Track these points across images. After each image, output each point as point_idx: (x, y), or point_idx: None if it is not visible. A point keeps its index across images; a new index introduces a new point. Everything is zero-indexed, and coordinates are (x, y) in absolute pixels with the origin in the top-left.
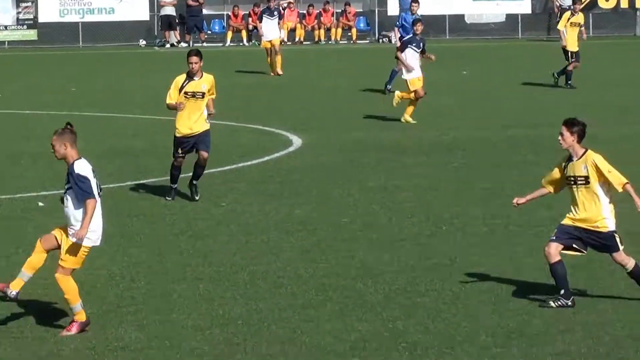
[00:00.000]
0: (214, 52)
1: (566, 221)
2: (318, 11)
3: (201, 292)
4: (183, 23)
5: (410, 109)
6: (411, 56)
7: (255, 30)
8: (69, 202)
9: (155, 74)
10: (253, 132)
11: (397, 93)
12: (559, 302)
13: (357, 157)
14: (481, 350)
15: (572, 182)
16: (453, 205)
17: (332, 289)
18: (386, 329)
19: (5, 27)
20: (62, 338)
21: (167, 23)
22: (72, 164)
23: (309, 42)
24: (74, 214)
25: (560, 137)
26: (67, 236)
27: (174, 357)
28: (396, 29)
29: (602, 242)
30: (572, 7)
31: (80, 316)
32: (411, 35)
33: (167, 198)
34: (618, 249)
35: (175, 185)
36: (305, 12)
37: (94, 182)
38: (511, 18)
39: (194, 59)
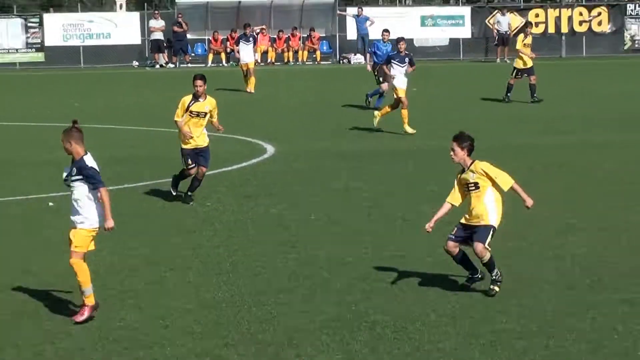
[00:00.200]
0: (197, 71)
1: (463, 220)
2: (287, 36)
3: (190, 279)
4: (170, 46)
5: (405, 115)
6: (394, 69)
7: (232, 53)
8: (75, 193)
9: (147, 91)
10: (232, 141)
11: (376, 114)
12: (498, 284)
13: (322, 163)
14: (431, 328)
15: (466, 189)
16: (405, 204)
17: (303, 276)
18: (349, 311)
19: (16, 50)
20: (78, 321)
21: (157, 46)
22: (82, 158)
23: (279, 63)
24: (80, 204)
25: (451, 152)
26: (74, 227)
27: (168, 335)
28: (368, 54)
29: (476, 231)
30: (525, 30)
31: (90, 299)
32: (395, 52)
33: (189, 203)
34: (484, 242)
35: (176, 192)
36: (276, 36)
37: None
38: (454, 42)
39: (199, 82)
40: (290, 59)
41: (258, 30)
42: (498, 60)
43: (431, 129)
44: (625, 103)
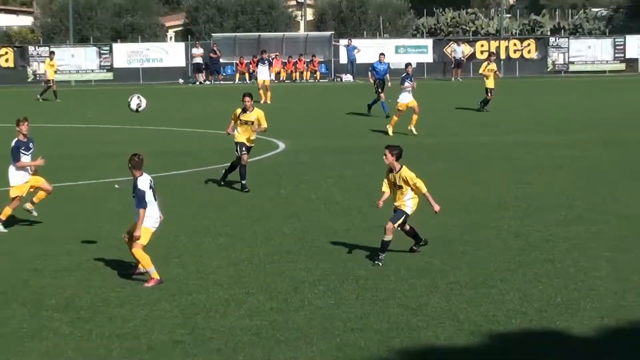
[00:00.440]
0: (227, 87)
1: (394, 206)
2: (295, 60)
3: (220, 243)
4: (207, 68)
5: (412, 125)
6: (407, 85)
7: (254, 72)
8: (134, 203)
9: (190, 102)
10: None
11: (389, 127)
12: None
13: (322, 156)
14: (402, 280)
15: (394, 186)
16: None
17: (305, 241)
18: (340, 267)
19: (92, 70)
20: (135, 276)
21: (197, 68)
22: (136, 179)
23: (288, 81)
24: (136, 212)
25: (384, 157)
26: (137, 226)
27: (203, 285)
28: (370, 73)
29: (395, 212)
30: (489, 58)
31: (155, 275)
32: (405, 74)
33: (245, 190)
34: (394, 222)
35: (227, 177)
36: (286, 61)
37: (149, 192)
38: (419, 65)
39: (247, 98)
40: (297, 78)
41: (273, 56)
42: (453, 79)
43: (403, 129)
44: (548, 111)
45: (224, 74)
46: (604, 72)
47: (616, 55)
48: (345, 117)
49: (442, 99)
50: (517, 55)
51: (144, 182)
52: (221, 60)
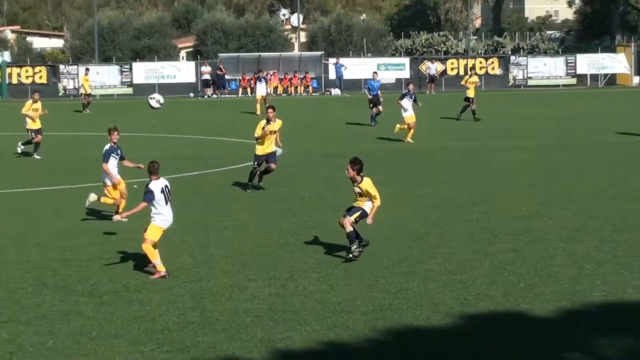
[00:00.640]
0: (232, 100)
1: (353, 205)
2: (290, 76)
3: (225, 236)
4: (214, 83)
5: (410, 133)
6: (405, 103)
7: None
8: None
9: (200, 113)
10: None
11: (397, 125)
12: (354, 254)
13: (314, 159)
14: (384, 268)
15: (356, 194)
16: None
17: (299, 234)
18: (331, 257)
19: (115, 86)
20: (149, 268)
21: (206, 83)
22: (150, 182)
23: (285, 94)
24: (153, 207)
25: (346, 171)
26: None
27: (211, 273)
28: (366, 90)
29: (351, 208)
30: (470, 72)
31: (160, 268)
32: (407, 90)
33: (247, 190)
34: (351, 215)
35: (251, 183)
36: (283, 77)
37: (161, 195)
38: (398, 81)
39: (270, 110)
40: (292, 92)
41: (272, 73)
42: (428, 92)
43: (385, 137)
44: (509, 120)
45: (229, 89)
46: (558, 86)
47: (568, 71)
48: (334, 126)
49: (418, 110)
50: (482, 72)
51: (155, 185)
52: (226, 77)
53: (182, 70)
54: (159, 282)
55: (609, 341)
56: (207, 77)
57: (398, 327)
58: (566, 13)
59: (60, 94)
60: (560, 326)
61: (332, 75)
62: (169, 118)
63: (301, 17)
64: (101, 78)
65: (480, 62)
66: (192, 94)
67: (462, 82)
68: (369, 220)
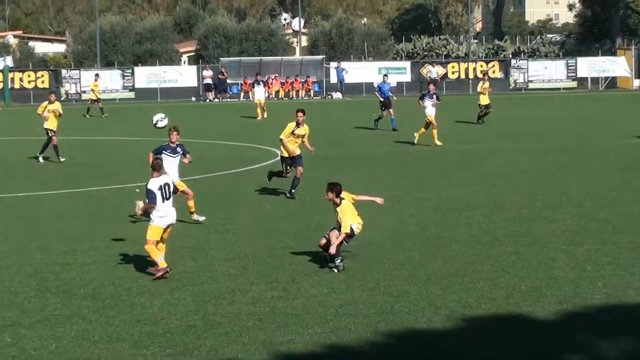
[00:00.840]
0: (233, 104)
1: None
2: (292, 80)
3: (227, 239)
4: (216, 87)
5: (434, 134)
6: (426, 102)
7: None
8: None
9: (201, 117)
10: (255, 149)
11: (415, 135)
12: (341, 266)
13: (315, 163)
14: (386, 272)
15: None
16: (370, 189)
17: (301, 237)
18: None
19: (117, 90)
20: (150, 271)
21: (207, 88)
22: (150, 179)
23: (286, 98)
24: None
25: (325, 195)
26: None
27: (212, 277)
28: (376, 92)
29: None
30: (484, 78)
31: (162, 264)
32: (427, 91)
33: (294, 198)
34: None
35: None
36: (284, 80)
37: (159, 192)
38: (399, 84)
39: (300, 114)
40: (294, 96)
41: (273, 77)
42: None
43: (387, 140)
44: (510, 123)
45: (231, 93)
46: (559, 89)
47: (569, 74)
48: (335, 129)
49: (419, 113)
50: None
51: (154, 183)
52: (228, 81)
53: (183, 75)
54: (161, 285)
55: (611, 343)
56: (208, 81)
57: (400, 330)
58: (567, 16)
59: (62, 99)
60: (561, 328)
61: (333, 79)
62: (170, 122)
63: (302, 21)
64: (103, 82)
65: (481, 66)
66: (193, 98)
67: (478, 89)
68: (332, 250)
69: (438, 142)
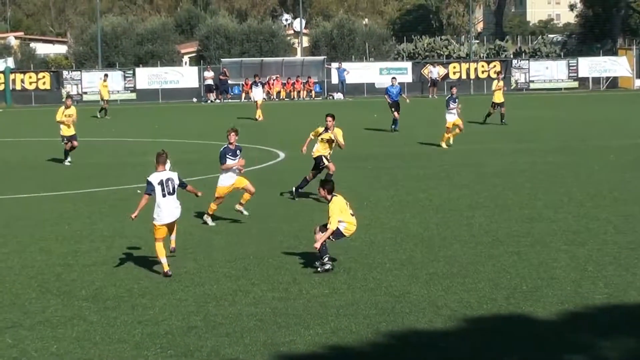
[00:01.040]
0: (235, 105)
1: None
2: (293, 81)
3: (228, 240)
4: (217, 88)
5: (452, 135)
6: (451, 106)
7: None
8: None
9: (202, 118)
10: (258, 150)
11: (443, 143)
12: (325, 267)
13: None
14: (387, 272)
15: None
16: (367, 190)
17: (302, 238)
18: (333, 261)
19: (118, 91)
20: (156, 268)
21: (209, 88)
22: (153, 173)
23: (288, 99)
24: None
25: (318, 191)
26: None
27: (214, 277)
28: (385, 96)
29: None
30: (498, 77)
31: (164, 267)
32: (450, 94)
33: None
34: (323, 231)
35: (301, 190)
36: (285, 81)
37: (159, 187)
38: (401, 84)
39: (329, 118)
40: (295, 96)
41: (274, 77)
42: (430, 96)
43: (387, 141)
44: (511, 123)
45: (232, 94)
46: (560, 89)
47: (570, 74)
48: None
49: (421, 113)
50: (484, 75)
51: (155, 177)
52: (229, 82)
53: (185, 76)
54: (162, 286)
55: (612, 343)
56: (210, 82)
57: (401, 331)
58: (568, 16)
59: (63, 99)
60: (563, 328)
61: (334, 79)
62: (172, 123)
63: (303, 22)
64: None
65: (483, 66)
66: (195, 99)
67: (494, 88)
68: (317, 244)
69: (444, 145)
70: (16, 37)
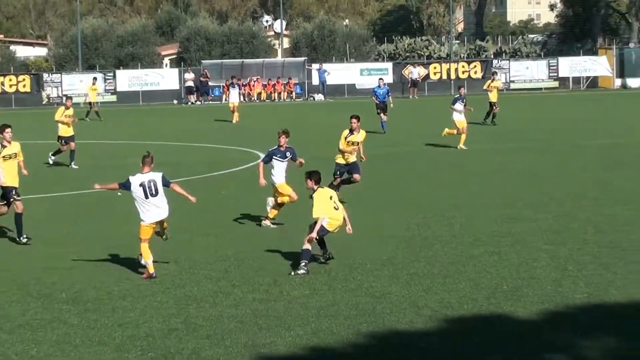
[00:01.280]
0: (216, 107)
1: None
2: (274, 82)
3: (209, 242)
4: (198, 90)
5: (462, 139)
6: (458, 107)
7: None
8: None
9: (183, 120)
10: (238, 152)
11: (446, 129)
12: (298, 272)
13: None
14: (367, 272)
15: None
16: (349, 189)
17: (282, 239)
18: (314, 261)
19: (98, 93)
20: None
21: (189, 90)
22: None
23: (268, 100)
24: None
25: (305, 183)
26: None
27: (194, 279)
28: (373, 97)
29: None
30: (493, 77)
31: (150, 269)
32: (458, 95)
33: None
34: (310, 233)
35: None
36: (266, 83)
37: (138, 188)
38: None
39: (354, 120)
40: (276, 98)
41: (255, 78)
42: (411, 97)
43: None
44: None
45: (213, 95)
46: (540, 89)
47: (550, 74)
48: (317, 130)
49: (401, 114)
50: (465, 76)
51: (136, 177)
52: (210, 83)
53: (165, 78)
54: (143, 288)
55: (592, 342)
56: (190, 84)
57: (382, 331)
58: (548, 16)
59: (44, 102)
60: (543, 328)
61: (315, 80)
62: (152, 125)
63: (284, 23)
64: (85, 86)
65: (463, 66)
66: (175, 101)
67: (485, 87)
68: (313, 234)
69: (462, 146)
70: None
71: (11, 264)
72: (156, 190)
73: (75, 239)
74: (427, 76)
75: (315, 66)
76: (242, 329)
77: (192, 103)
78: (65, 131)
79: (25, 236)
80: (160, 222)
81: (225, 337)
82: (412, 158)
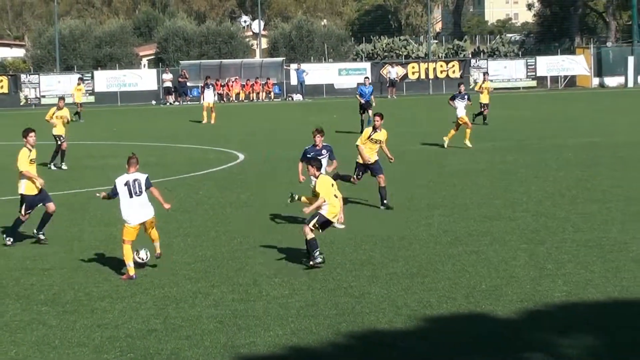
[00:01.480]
0: (194, 107)
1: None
2: (252, 83)
3: (188, 242)
4: (176, 90)
5: (467, 134)
6: (456, 103)
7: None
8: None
9: (161, 120)
10: (216, 152)
11: (445, 139)
12: (316, 261)
13: (275, 165)
14: (347, 272)
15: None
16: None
17: (262, 239)
18: (293, 262)
19: (84, 94)
20: (115, 271)
21: (167, 91)
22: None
23: (247, 101)
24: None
25: (308, 170)
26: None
27: (174, 280)
28: (357, 95)
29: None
30: (484, 78)
31: (130, 271)
32: (457, 92)
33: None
34: (308, 223)
35: None
36: (244, 83)
37: (122, 188)
38: (360, 84)
39: (378, 118)
40: (254, 98)
41: (233, 79)
42: (389, 97)
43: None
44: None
45: (191, 96)
46: (518, 88)
47: (528, 73)
48: (295, 130)
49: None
50: (443, 75)
51: (121, 178)
52: (188, 84)
53: (143, 78)
54: (122, 289)
55: (571, 341)
56: (168, 84)
57: (361, 331)
58: (526, 16)
59: (21, 103)
60: (522, 327)
61: (293, 80)
62: (130, 125)
63: (262, 23)
64: (62, 87)
65: (441, 66)
66: (154, 102)
67: (476, 88)
68: (305, 209)
69: (469, 144)
70: None
71: None
72: (140, 190)
73: (54, 240)
74: (406, 76)
75: (293, 66)
76: (221, 330)
77: (170, 103)
78: (59, 130)
79: (42, 232)
80: (148, 228)
81: (204, 338)
82: (409, 155)
